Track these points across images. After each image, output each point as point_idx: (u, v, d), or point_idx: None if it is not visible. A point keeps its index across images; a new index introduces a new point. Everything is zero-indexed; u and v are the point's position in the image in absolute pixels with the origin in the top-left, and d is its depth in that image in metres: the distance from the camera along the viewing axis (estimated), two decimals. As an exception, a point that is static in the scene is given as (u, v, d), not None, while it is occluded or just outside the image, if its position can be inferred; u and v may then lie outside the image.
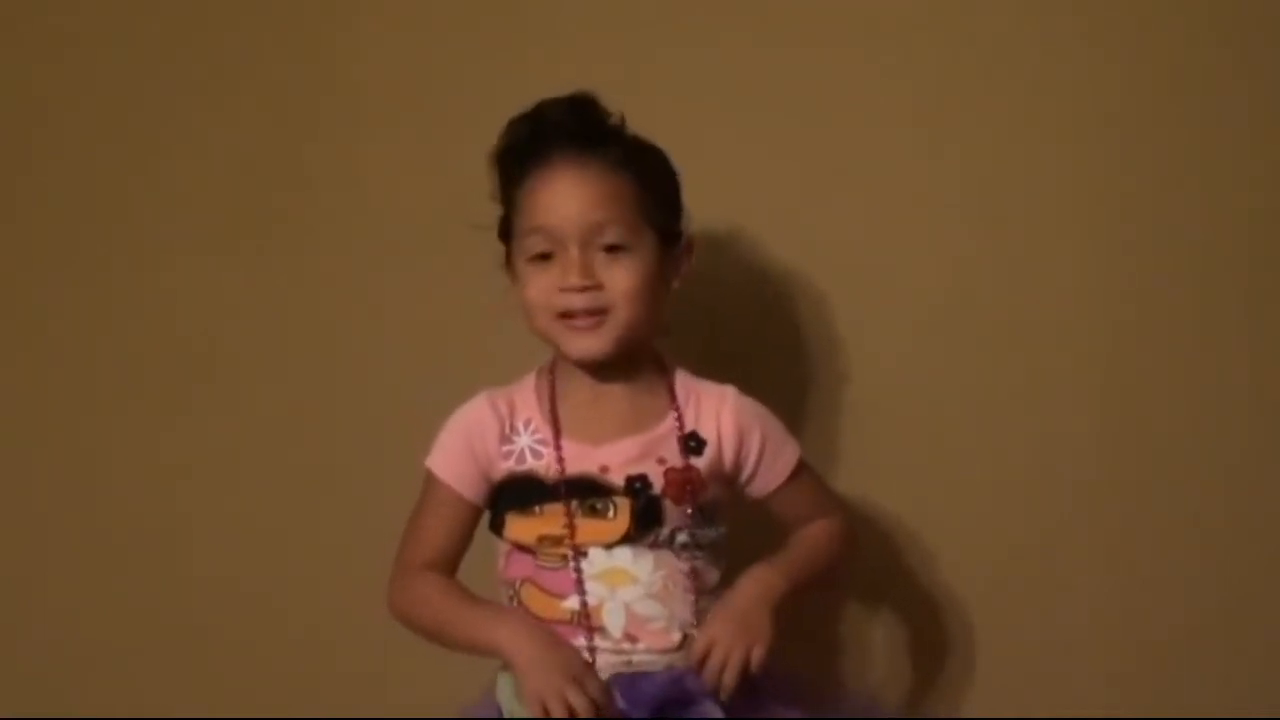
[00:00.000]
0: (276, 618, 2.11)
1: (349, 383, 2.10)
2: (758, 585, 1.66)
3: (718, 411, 1.72)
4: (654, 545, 1.67)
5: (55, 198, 2.15)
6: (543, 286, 1.67)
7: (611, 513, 1.66)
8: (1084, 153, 2.00)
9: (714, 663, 1.61)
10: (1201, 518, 2.01)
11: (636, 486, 1.66)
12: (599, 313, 1.66)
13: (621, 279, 1.66)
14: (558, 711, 1.58)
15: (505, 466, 1.69)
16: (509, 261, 1.72)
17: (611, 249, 1.66)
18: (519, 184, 1.70)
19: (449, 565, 1.72)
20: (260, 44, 2.12)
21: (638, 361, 1.72)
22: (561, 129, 1.68)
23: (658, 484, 1.67)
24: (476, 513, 1.72)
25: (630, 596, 1.65)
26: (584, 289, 1.65)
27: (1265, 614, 2.00)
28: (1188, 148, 1.99)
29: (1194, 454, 2.01)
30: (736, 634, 1.62)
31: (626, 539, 1.66)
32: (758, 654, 1.62)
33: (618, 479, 1.66)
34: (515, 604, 1.69)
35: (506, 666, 1.65)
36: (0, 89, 2.16)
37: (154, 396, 2.14)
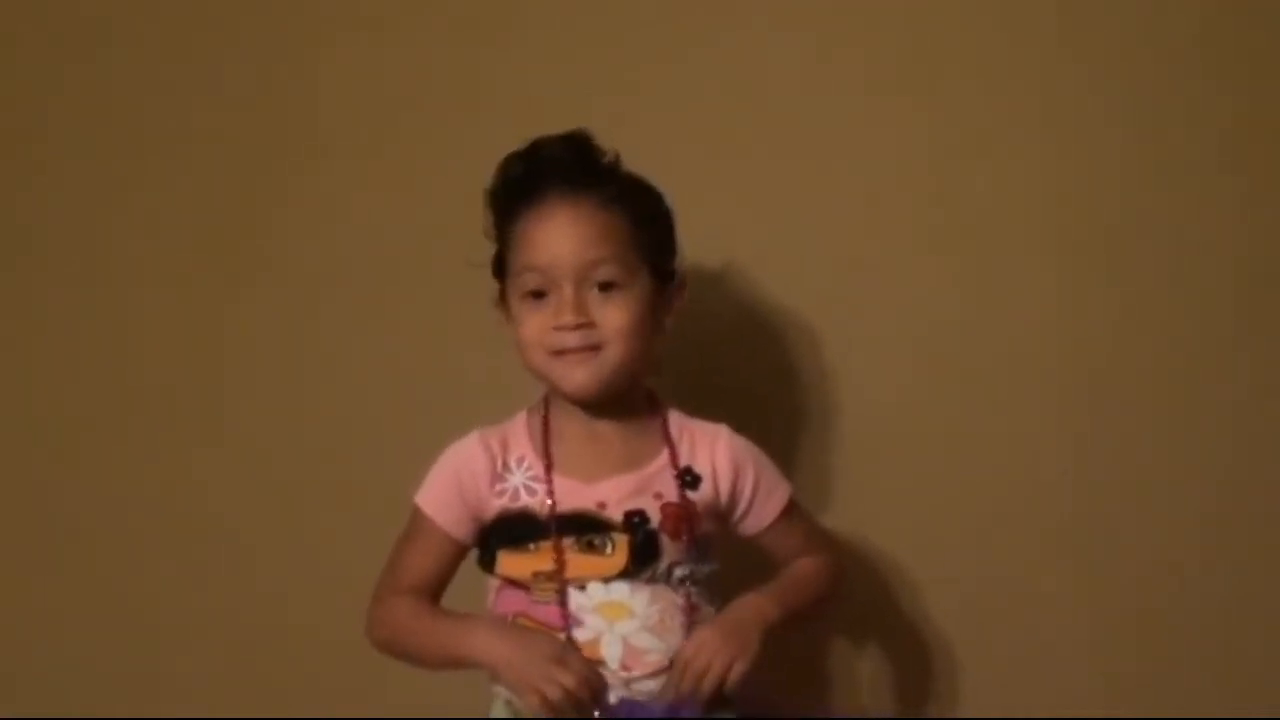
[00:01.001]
0: (272, 621, 2.12)
1: (344, 398, 2.11)
2: (751, 609, 1.68)
3: (712, 448, 1.73)
4: (651, 580, 1.67)
5: (39, 219, 2.16)
6: (537, 325, 1.68)
7: (609, 549, 1.67)
8: (1070, 186, 2.02)
9: (697, 665, 1.62)
10: (1194, 549, 2.02)
11: (635, 522, 1.67)
12: (592, 349, 1.67)
13: (614, 316, 1.67)
14: (554, 694, 1.59)
15: (499, 505, 1.70)
16: (502, 298, 1.74)
17: (605, 286, 1.67)
18: (513, 221, 1.71)
19: (429, 599, 1.72)
20: (241, 66, 2.12)
21: (630, 399, 1.73)
22: (556, 166, 1.69)
23: (655, 519, 1.68)
24: (462, 551, 1.73)
25: (627, 629, 1.65)
26: (577, 327, 1.66)
27: (1252, 637, 2.03)
28: (1173, 174, 2.01)
29: (1193, 477, 2.03)
30: (724, 644, 1.63)
31: (624, 574, 1.66)
32: (739, 668, 1.63)
33: (615, 515, 1.67)
34: None
35: (495, 679, 1.67)
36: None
37: (149, 412, 2.14)
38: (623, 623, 1.65)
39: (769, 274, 2.03)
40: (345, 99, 2.11)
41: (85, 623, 2.15)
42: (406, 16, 2.09)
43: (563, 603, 1.66)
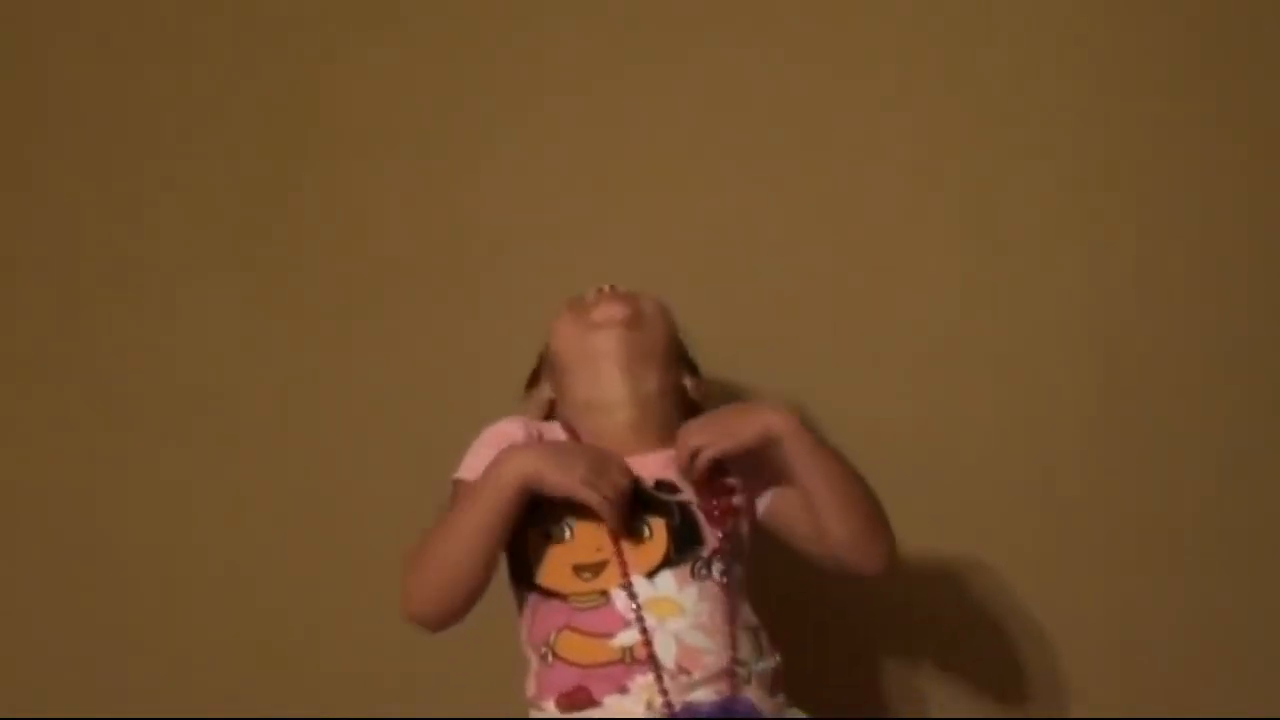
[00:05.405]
0: (271, 623, 2.11)
1: (348, 403, 2.13)
2: (774, 413, 1.71)
3: None
4: (694, 575, 1.65)
5: (53, 225, 2.20)
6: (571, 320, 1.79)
7: (648, 533, 1.67)
8: (1081, 182, 2.09)
9: (683, 450, 1.68)
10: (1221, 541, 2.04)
11: (668, 500, 1.68)
12: (633, 313, 1.77)
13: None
14: (610, 492, 1.62)
15: None
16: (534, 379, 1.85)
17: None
18: None
19: None
20: (256, 67, 2.19)
21: (666, 424, 1.76)
22: None
23: (687, 490, 1.71)
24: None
25: (679, 627, 1.62)
26: (613, 293, 1.79)
27: (1262, 631, 2.02)
28: (1180, 175, 2.07)
29: (1215, 466, 2.06)
30: (703, 429, 1.69)
31: (666, 562, 1.65)
32: (702, 453, 1.67)
33: (647, 482, 1.70)
34: (551, 660, 1.64)
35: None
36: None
37: (155, 417, 2.16)
38: (674, 620, 1.62)
39: (794, 263, 2.10)
40: (371, 100, 2.16)
41: (102, 624, 2.13)
42: (436, 18, 2.16)
43: (629, 588, 1.64)
